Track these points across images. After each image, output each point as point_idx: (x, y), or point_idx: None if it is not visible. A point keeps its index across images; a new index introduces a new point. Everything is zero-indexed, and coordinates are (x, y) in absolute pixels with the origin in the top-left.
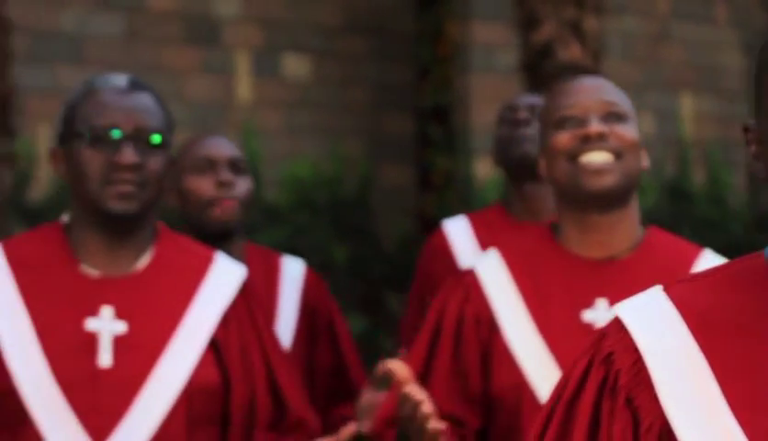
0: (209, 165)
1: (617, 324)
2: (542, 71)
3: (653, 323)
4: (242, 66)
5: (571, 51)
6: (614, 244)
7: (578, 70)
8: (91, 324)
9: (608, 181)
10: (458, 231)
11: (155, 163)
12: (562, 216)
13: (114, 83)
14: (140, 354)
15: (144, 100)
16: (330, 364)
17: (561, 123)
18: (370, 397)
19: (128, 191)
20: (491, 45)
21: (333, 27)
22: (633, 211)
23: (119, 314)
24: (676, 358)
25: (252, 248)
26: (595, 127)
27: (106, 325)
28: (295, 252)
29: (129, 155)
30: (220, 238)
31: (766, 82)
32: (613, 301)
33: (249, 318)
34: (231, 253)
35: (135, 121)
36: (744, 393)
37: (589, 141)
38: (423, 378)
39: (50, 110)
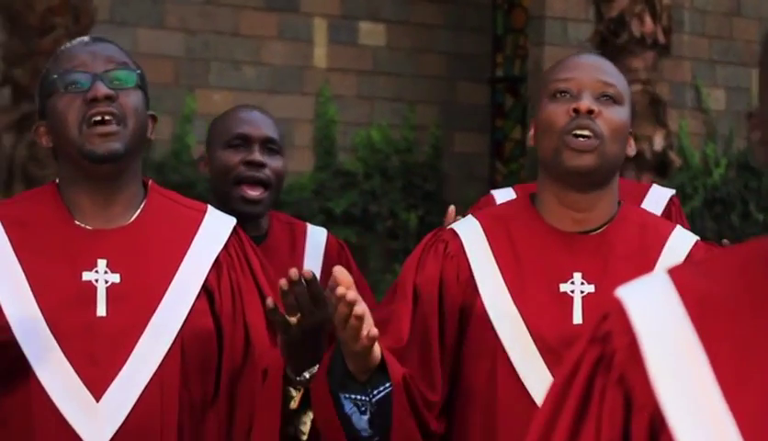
0: (243, 142)
1: (618, 305)
2: (615, 44)
3: (651, 305)
4: (319, 33)
5: (644, 25)
6: (590, 221)
7: (650, 44)
8: (86, 277)
9: (589, 161)
10: (506, 200)
11: (129, 97)
12: (543, 187)
13: (77, 40)
14: (134, 304)
15: (109, 47)
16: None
17: (554, 95)
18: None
19: (108, 130)
20: (565, 17)
21: None
22: (612, 191)
23: (113, 266)
24: (671, 341)
25: (276, 217)
26: (586, 103)
27: (101, 277)
28: (367, 217)
29: (101, 88)
30: (244, 214)
31: None
32: (588, 275)
33: (242, 262)
34: (256, 221)
35: (103, 61)
36: (737, 378)
37: (577, 117)
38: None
39: None
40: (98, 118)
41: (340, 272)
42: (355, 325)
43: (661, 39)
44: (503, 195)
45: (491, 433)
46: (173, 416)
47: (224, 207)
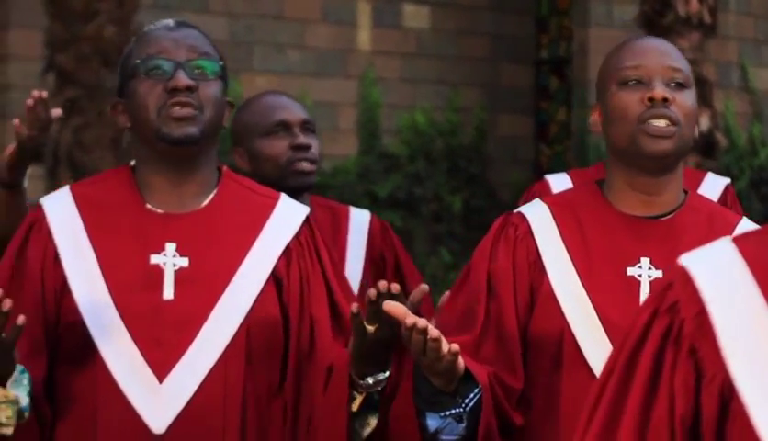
0: (284, 128)
1: (683, 274)
2: (660, 24)
3: (719, 273)
4: (363, 16)
5: (690, 6)
6: (659, 205)
7: (696, 24)
8: (154, 260)
9: (667, 146)
10: (561, 186)
11: (210, 88)
12: (613, 173)
13: (161, 23)
14: (201, 288)
15: (193, 34)
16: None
17: (625, 82)
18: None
19: (185, 114)
20: None
21: None
22: (679, 176)
23: (182, 249)
24: (740, 309)
25: (316, 201)
26: (660, 91)
27: (168, 260)
28: (411, 200)
29: (182, 79)
30: (293, 195)
31: None
32: (655, 260)
33: (312, 252)
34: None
35: (186, 50)
36: None
37: (653, 106)
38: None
39: None
40: (177, 107)
41: (392, 306)
42: (435, 347)
43: (707, 18)
44: (558, 180)
45: (553, 413)
46: (236, 401)
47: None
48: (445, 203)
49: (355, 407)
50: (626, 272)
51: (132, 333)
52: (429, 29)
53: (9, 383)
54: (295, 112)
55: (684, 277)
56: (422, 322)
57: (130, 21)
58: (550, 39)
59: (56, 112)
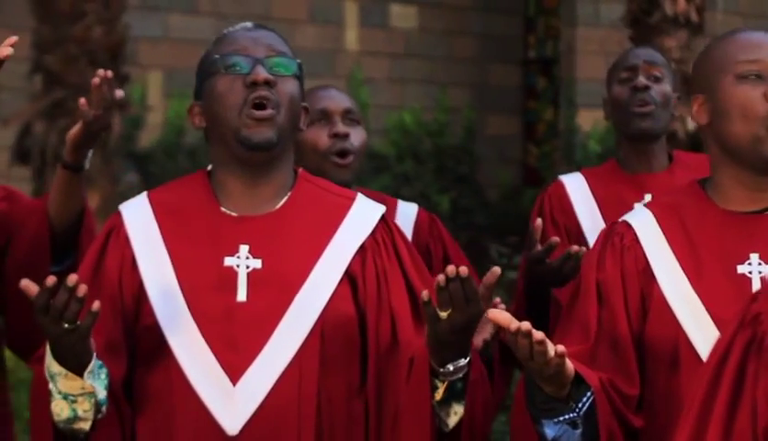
0: (325, 117)
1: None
2: (647, 23)
3: None
4: (350, 16)
5: (677, 4)
6: (766, 199)
7: (683, 23)
8: (228, 262)
9: None
10: (576, 186)
11: (287, 85)
12: (719, 171)
13: (239, 25)
14: (275, 290)
15: (270, 35)
16: None
17: (743, 77)
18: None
19: (265, 115)
20: None
21: None
22: None
23: (256, 251)
24: None
25: (365, 193)
26: None
27: (242, 262)
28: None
29: (262, 72)
30: None
31: None
32: (765, 255)
33: (389, 249)
34: None
35: (264, 48)
36: None
37: None
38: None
39: (162, 59)
40: (258, 101)
41: (497, 314)
42: (541, 351)
43: (694, 17)
44: (572, 180)
45: (674, 416)
46: (311, 403)
47: None
48: (433, 203)
49: (438, 396)
50: (736, 270)
51: (206, 336)
52: (417, 29)
53: (86, 374)
54: (337, 101)
55: None
56: (525, 325)
57: (117, 22)
58: (538, 38)
59: (119, 93)
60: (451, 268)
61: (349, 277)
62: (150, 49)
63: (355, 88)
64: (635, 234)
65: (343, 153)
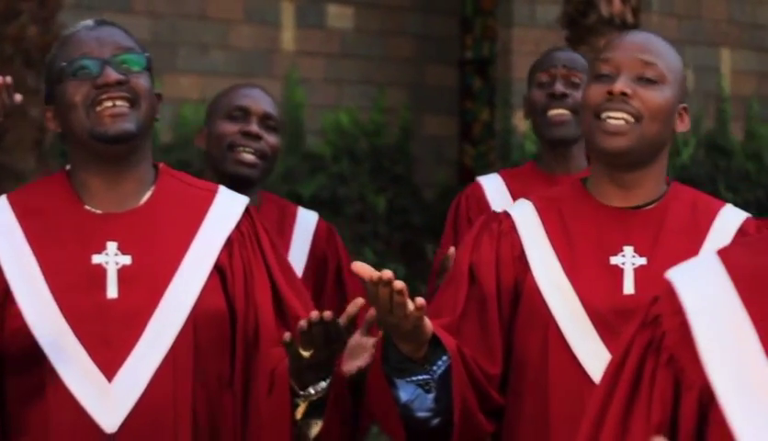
0: (243, 115)
1: (668, 288)
2: (583, 24)
3: (701, 285)
4: (287, 16)
5: (612, 6)
6: (638, 197)
7: (618, 24)
8: (96, 260)
9: (622, 143)
10: (493, 186)
11: (141, 80)
12: (592, 166)
13: (81, 24)
14: (145, 285)
15: (115, 31)
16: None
17: (596, 77)
18: (359, 339)
19: (119, 111)
20: None
21: None
22: (658, 169)
23: (124, 248)
24: (721, 318)
25: (268, 197)
26: (619, 86)
27: (111, 259)
28: (335, 200)
29: (111, 74)
30: (237, 185)
31: None
32: (639, 248)
33: (253, 242)
34: (246, 194)
35: (110, 47)
36: None
37: (611, 100)
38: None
39: None
40: (109, 103)
41: (359, 266)
42: (401, 301)
43: (630, 19)
44: (489, 180)
45: (542, 403)
46: (186, 397)
47: (220, 177)
48: (369, 203)
49: (299, 415)
50: (609, 261)
51: (78, 335)
52: (353, 30)
53: None
54: (259, 103)
55: (669, 291)
56: (387, 273)
57: (53, 21)
58: (474, 39)
59: (18, 97)
60: (315, 314)
61: (218, 269)
62: None
63: (291, 88)
64: (513, 222)
65: (248, 150)
